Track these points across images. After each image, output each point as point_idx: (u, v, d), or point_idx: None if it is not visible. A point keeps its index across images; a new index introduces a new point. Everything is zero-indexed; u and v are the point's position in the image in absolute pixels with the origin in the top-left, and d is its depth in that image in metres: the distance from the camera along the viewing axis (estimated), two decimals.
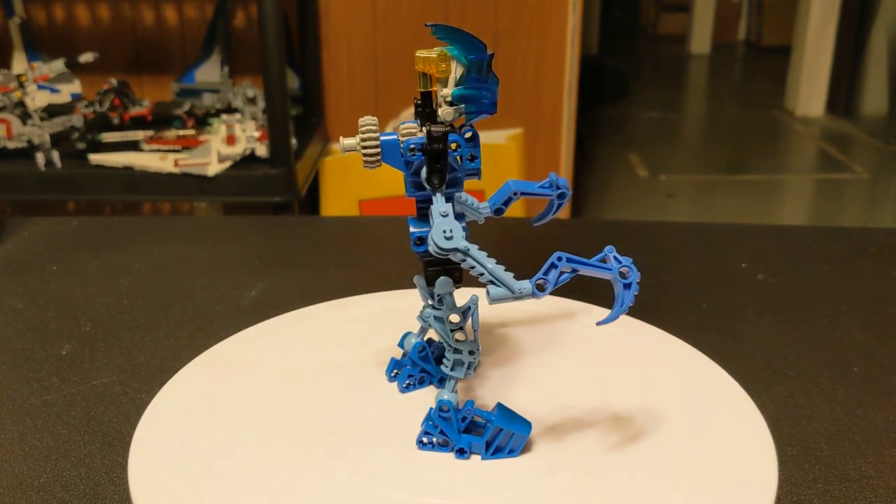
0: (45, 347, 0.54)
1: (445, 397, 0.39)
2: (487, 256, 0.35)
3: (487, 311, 0.53)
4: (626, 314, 0.52)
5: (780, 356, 0.55)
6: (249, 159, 1.52)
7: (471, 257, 0.35)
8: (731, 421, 0.42)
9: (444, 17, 1.84)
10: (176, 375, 0.46)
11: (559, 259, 0.35)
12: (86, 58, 1.51)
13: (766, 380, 0.52)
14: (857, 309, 0.62)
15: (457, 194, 0.39)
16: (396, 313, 0.52)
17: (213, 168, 1.47)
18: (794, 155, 3.31)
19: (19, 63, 1.69)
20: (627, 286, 0.35)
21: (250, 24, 1.83)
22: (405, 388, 0.45)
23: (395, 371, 0.46)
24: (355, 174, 1.83)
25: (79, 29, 1.84)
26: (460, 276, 0.40)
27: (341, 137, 0.38)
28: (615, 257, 0.35)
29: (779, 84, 3.89)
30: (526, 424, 0.39)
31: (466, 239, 0.36)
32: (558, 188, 0.43)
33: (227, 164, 1.49)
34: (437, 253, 0.35)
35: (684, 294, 0.64)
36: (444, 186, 0.37)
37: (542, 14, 1.85)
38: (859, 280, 0.67)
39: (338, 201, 1.83)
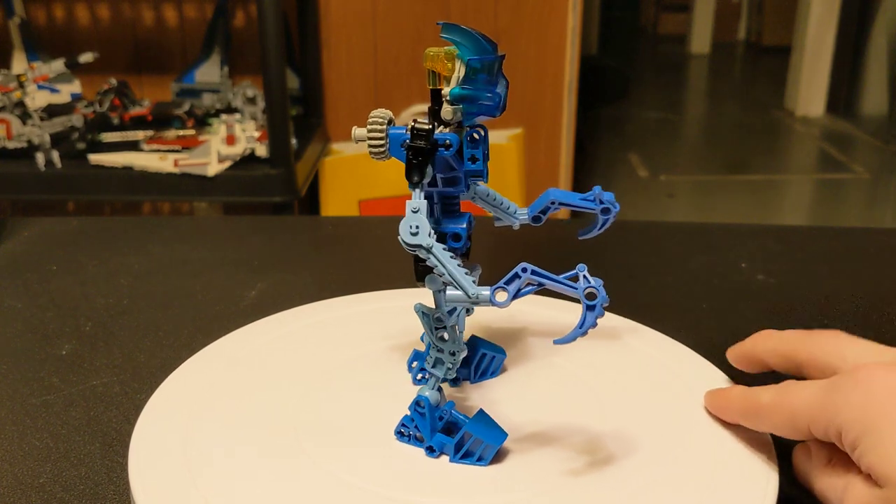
0: (45, 347, 0.54)
1: (424, 394, 0.39)
2: (452, 258, 0.35)
3: (491, 313, 0.53)
4: (628, 317, 0.53)
5: None
6: (249, 159, 1.52)
7: (433, 255, 0.35)
8: (730, 422, 0.42)
9: (444, 17, 1.84)
10: (174, 373, 0.46)
11: (524, 270, 0.34)
12: (86, 58, 1.51)
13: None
14: (857, 309, 0.62)
15: (479, 188, 0.40)
16: (397, 312, 0.52)
17: (213, 168, 1.47)
18: (794, 155, 3.31)
19: (19, 63, 1.69)
20: (591, 308, 0.33)
21: (250, 24, 1.83)
22: (418, 381, 0.45)
23: (415, 363, 0.46)
24: (355, 174, 1.83)
25: (79, 29, 1.84)
26: None
27: (354, 127, 0.38)
28: (585, 276, 0.34)
29: (779, 84, 3.89)
30: (500, 435, 0.39)
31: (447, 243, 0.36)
32: (601, 202, 0.41)
33: (227, 164, 1.49)
34: (405, 247, 0.35)
35: (684, 294, 0.64)
36: (423, 183, 0.37)
37: (542, 14, 1.85)
38: (859, 280, 0.67)
39: (338, 201, 1.83)
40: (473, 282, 0.35)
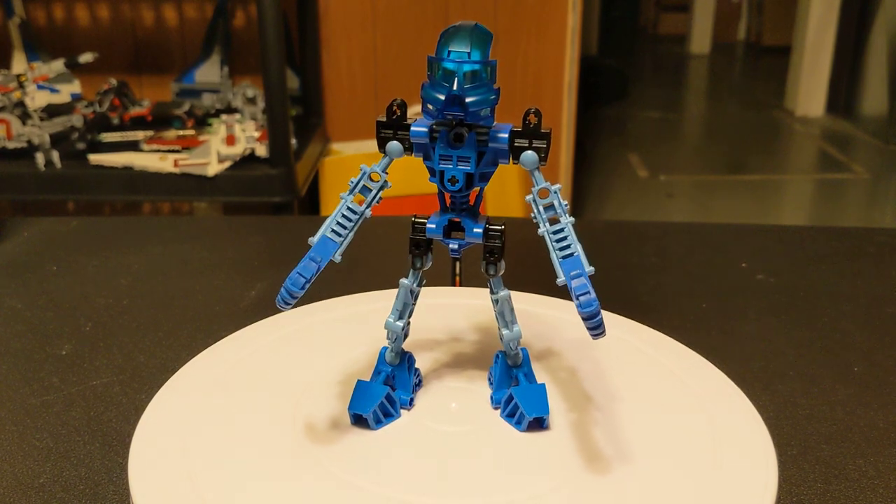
0: (45, 347, 0.54)
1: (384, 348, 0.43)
2: (344, 216, 0.40)
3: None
4: (628, 317, 0.53)
5: (780, 356, 0.55)
6: (249, 159, 1.52)
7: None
8: (729, 422, 0.42)
9: (444, 17, 1.84)
10: (175, 375, 0.46)
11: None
12: (85, 58, 1.51)
13: (766, 380, 0.52)
14: (857, 309, 0.62)
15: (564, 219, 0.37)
16: None
17: (213, 168, 1.47)
18: (794, 155, 3.31)
19: (19, 63, 1.69)
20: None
21: (250, 24, 1.83)
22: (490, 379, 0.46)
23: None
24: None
25: (79, 29, 1.84)
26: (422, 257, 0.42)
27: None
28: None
29: (779, 84, 3.89)
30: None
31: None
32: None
33: (227, 164, 1.49)
34: None
35: (684, 294, 0.64)
36: (385, 154, 0.41)
37: (542, 14, 1.85)
38: (859, 280, 0.67)
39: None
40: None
